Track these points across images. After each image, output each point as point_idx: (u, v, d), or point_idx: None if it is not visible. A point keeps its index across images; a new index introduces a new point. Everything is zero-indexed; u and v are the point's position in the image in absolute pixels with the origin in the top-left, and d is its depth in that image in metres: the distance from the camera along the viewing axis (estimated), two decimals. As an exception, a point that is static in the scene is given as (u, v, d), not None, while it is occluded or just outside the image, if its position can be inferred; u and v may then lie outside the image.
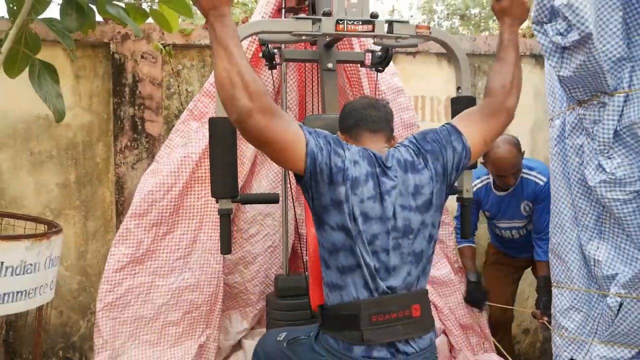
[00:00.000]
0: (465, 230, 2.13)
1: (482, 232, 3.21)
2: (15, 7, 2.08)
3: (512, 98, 1.75)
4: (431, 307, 2.85)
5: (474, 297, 2.84)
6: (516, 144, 2.66)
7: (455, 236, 2.92)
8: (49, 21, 2.04)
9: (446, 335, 2.95)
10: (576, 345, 2.30)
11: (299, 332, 1.78)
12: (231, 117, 1.46)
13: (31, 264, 1.51)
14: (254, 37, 2.17)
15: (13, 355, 2.76)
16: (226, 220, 1.86)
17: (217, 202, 1.87)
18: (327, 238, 1.58)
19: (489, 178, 2.81)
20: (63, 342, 2.89)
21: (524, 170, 2.73)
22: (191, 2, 1.52)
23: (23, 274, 1.48)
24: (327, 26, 1.81)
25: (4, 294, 1.44)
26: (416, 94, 3.19)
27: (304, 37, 1.84)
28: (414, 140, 1.70)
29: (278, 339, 1.85)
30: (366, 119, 1.72)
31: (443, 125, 1.73)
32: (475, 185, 2.81)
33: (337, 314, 1.60)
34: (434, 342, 1.68)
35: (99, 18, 2.26)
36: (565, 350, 2.33)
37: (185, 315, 2.59)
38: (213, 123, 1.81)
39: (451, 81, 3.33)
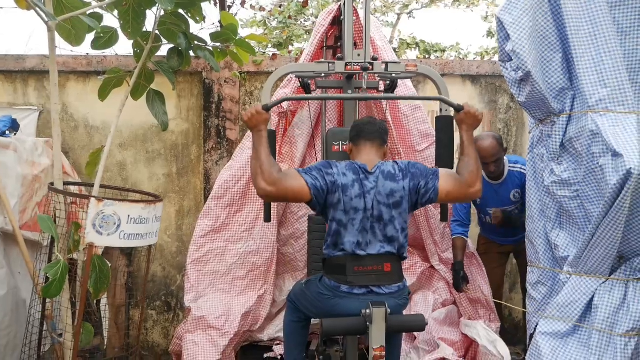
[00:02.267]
0: (444, 214, 2.82)
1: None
2: (138, 51, 3.06)
3: (478, 183, 2.39)
4: (443, 282, 3.53)
5: (456, 283, 3.38)
6: (497, 139, 3.22)
7: (451, 228, 3.46)
8: (159, 63, 3.00)
9: (457, 306, 3.60)
10: (542, 313, 2.88)
11: (311, 277, 2.60)
12: (257, 192, 2.29)
13: (144, 218, 2.45)
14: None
15: (130, 296, 3.81)
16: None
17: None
18: (329, 226, 2.36)
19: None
20: (165, 290, 3.91)
21: (510, 164, 3.29)
22: (242, 119, 2.36)
23: (140, 223, 2.43)
24: (339, 67, 2.61)
25: (130, 234, 2.40)
26: (443, 108, 3.86)
27: (323, 75, 2.65)
28: (405, 164, 2.42)
29: (301, 282, 2.67)
30: (364, 131, 2.47)
31: (433, 167, 2.44)
32: None
33: (332, 264, 2.38)
34: (401, 289, 2.40)
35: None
36: (534, 317, 2.90)
37: (249, 273, 3.41)
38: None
39: (475, 98, 3.98)
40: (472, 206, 3.52)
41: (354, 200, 2.31)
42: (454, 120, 2.45)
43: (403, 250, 2.41)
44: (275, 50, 6.00)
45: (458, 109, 2.43)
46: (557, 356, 2.48)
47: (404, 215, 2.36)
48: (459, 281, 3.33)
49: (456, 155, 3.82)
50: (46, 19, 2.32)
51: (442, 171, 2.44)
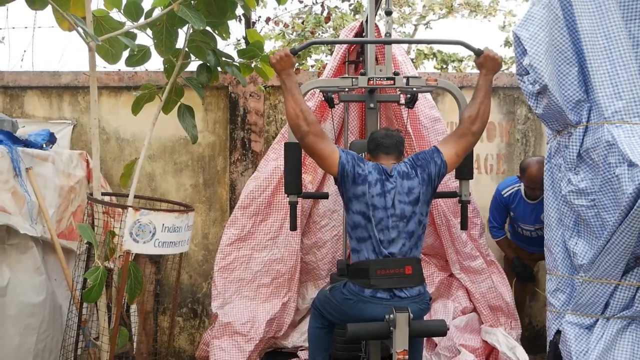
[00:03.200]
0: (463, 223, 2.90)
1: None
2: (169, 67, 3.21)
3: (476, 125, 2.51)
4: (462, 290, 3.60)
5: (525, 276, 3.57)
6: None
7: (491, 233, 3.65)
8: (189, 79, 3.13)
9: (477, 313, 3.66)
10: (561, 319, 2.94)
11: (336, 284, 2.70)
12: (295, 135, 2.44)
13: (177, 227, 2.58)
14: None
15: (158, 303, 3.93)
16: (294, 208, 2.83)
17: (288, 196, 2.84)
18: (351, 218, 2.48)
19: (519, 186, 3.48)
20: (191, 297, 4.03)
21: None
22: (270, 62, 2.45)
23: (173, 232, 2.56)
24: (362, 82, 2.72)
25: (164, 242, 2.53)
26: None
27: (347, 90, 2.76)
28: (412, 159, 2.54)
29: (325, 289, 2.77)
30: (382, 144, 2.59)
31: (431, 147, 2.56)
32: (507, 191, 3.54)
33: (355, 268, 2.48)
34: (422, 293, 2.50)
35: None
36: (553, 323, 2.95)
37: (273, 280, 3.51)
38: (286, 145, 2.78)
39: (493, 109, 4.04)
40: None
41: (374, 198, 2.42)
42: (475, 65, 2.55)
43: (420, 245, 2.52)
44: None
45: (478, 52, 2.52)
46: (579, 341, 2.64)
47: (423, 207, 2.48)
48: (530, 273, 3.59)
49: (475, 166, 3.90)
50: (88, 40, 2.47)
51: (441, 141, 2.59)
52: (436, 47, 8.41)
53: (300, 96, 2.41)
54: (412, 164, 2.51)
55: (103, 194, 3.07)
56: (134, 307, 3.54)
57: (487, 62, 2.54)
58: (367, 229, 2.43)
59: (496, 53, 2.54)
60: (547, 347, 2.97)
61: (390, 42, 2.78)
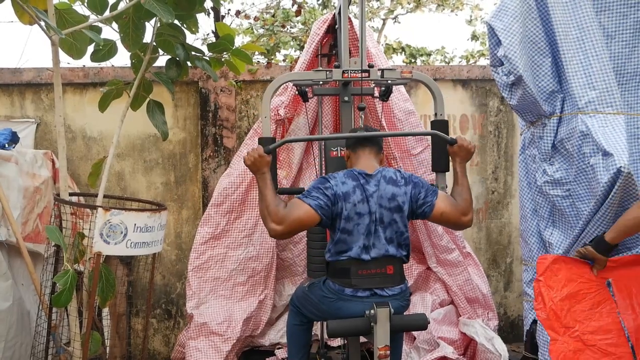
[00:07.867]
0: None
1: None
2: (136, 62, 3.11)
3: (471, 213, 2.47)
4: (440, 283, 3.59)
5: None
6: None
7: None
8: (158, 74, 3.04)
9: (455, 306, 3.68)
10: (537, 309, 2.97)
11: (314, 281, 2.66)
12: (270, 234, 2.33)
13: (150, 226, 2.49)
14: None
15: (131, 305, 3.84)
16: (270, 205, 2.77)
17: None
18: (336, 235, 2.39)
19: None
20: (165, 298, 3.94)
21: None
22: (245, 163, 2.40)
23: (145, 231, 2.47)
24: (337, 75, 2.68)
25: (136, 242, 2.44)
26: (435, 112, 3.94)
27: (321, 83, 2.72)
28: (408, 174, 2.49)
29: (304, 286, 2.73)
30: (362, 138, 2.55)
31: (434, 185, 2.52)
32: None
33: (336, 267, 2.43)
34: (404, 291, 2.47)
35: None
36: (530, 313, 2.99)
37: (249, 278, 3.46)
38: (260, 141, 2.72)
39: (466, 101, 4.07)
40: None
41: (357, 206, 2.35)
42: (449, 153, 2.54)
43: (405, 253, 2.47)
44: (263, 57, 6.08)
45: (451, 142, 2.51)
46: None
47: (404, 218, 2.42)
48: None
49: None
50: (51, 34, 2.36)
51: (441, 192, 2.50)
52: (405, 41, 8.47)
53: (271, 194, 2.34)
54: (405, 177, 2.45)
55: (71, 194, 2.96)
56: (105, 311, 3.44)
57: (460, 151, 2.51)
58: (351, 240, 2.38)
59: (469, 142, 2.52)
60: (524, 336, 3.00)
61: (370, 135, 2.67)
